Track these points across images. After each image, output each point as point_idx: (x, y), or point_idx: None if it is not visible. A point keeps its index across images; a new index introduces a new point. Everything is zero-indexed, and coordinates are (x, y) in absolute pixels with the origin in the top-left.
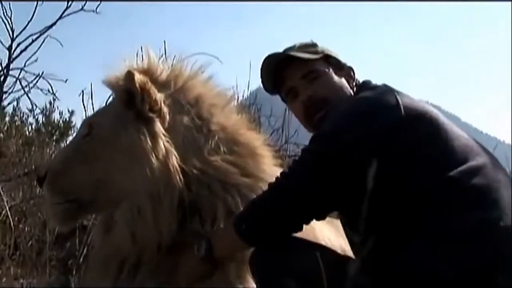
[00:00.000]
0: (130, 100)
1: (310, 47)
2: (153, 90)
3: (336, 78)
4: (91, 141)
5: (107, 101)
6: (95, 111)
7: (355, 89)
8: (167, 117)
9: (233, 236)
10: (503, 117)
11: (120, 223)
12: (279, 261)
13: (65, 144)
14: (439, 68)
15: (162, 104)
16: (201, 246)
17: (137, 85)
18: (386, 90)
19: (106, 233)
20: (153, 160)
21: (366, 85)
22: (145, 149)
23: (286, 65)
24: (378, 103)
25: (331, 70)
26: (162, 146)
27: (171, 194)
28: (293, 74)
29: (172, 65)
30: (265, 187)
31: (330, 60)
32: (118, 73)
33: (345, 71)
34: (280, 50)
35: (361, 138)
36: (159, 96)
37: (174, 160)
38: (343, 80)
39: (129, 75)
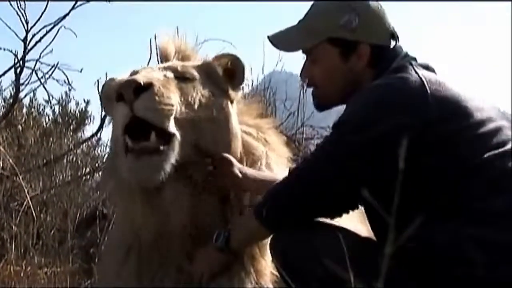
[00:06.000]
0: (229, 79)
1: (328, 17)
2: None
3: (335, 65)
4: (195, 89)
5: None
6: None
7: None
8: None
9: (251, 226)
10: (502, 86)
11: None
12: (300, 243)
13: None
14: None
15: None
16: (220, 237)
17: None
18: (414, 74)
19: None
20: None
21: (392, 58)
22: (233, 127)
23: None
24: (406, 93)
25: (334, 54)
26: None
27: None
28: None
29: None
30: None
31: (337, 42)
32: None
33: (358, 51)
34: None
35: (388, 132)
36: None
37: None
38: (346, 67)
39: (241, 62)
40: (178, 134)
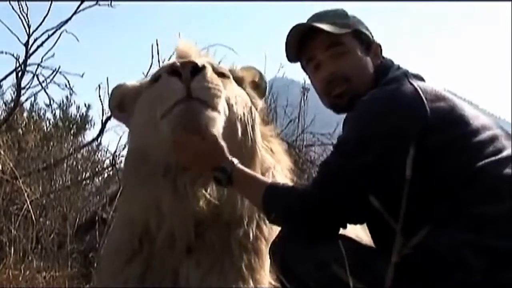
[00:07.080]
0: (255, 90)
1: (341, 17)
2: None
3: (362, 57)
4: (232, 85)
5: None
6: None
7: (378, 68)
8: None
9: (256, 202)
10: (502, 93)
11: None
12: (300, 248)
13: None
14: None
15: None
16: (226, 171)
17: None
18: (409, 85)
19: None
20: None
21: (387, 70)
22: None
23: (312, 35)
24: (402, 102)
25: (358, 47)
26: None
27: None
28: (319, 45)
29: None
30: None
31: (359, 36)
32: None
33: (373, 49)
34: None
35: (389, 135)
36: None
37: None
38: (368, 60)
39: (265, 78)
40: (223, 115)
